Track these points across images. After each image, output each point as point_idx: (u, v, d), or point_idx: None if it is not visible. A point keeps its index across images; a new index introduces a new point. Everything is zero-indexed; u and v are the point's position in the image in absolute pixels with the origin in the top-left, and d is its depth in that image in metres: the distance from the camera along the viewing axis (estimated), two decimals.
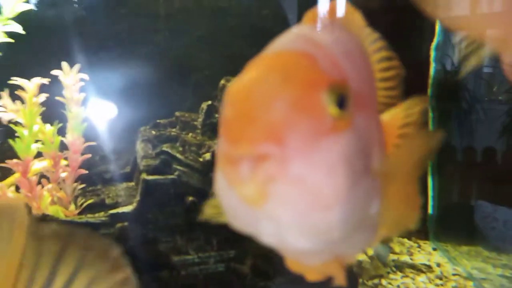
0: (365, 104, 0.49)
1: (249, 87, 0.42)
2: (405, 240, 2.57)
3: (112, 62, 2.15)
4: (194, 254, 1.56)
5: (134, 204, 1.57)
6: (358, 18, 0.58)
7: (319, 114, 0.41)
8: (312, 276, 0.56)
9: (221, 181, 0.44)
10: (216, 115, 1.77)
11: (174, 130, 1.85)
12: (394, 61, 0.60)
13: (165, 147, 1.69)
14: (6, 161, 1.47)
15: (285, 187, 0.40)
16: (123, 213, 1.55)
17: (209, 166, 1.60)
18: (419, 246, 2.52)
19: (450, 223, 2.51)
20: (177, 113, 1.89)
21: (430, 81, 2.48)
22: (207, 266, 1.57)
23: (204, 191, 1.57)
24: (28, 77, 1.58)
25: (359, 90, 0.47)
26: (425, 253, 2.45)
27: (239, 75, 0.44)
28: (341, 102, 0.43)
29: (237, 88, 0.43)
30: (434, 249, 2.49)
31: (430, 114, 2.48)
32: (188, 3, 2.43)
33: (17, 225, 0.43)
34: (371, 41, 0.59)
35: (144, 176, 1.59)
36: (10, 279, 0.42)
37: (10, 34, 1.58)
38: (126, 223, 1.53)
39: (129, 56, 2.18)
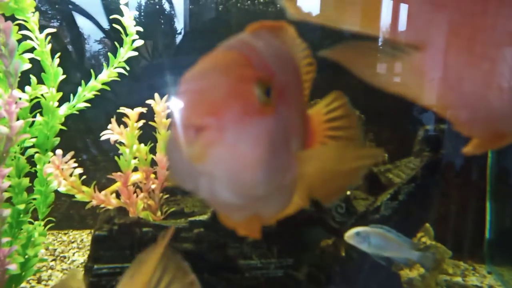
0: (288, 98, 0.59)
1: (199, 76, 0.53)
2: (461, 262, 2.55)
3: None
4: (257, 260, 1.74)
5: (209, 214, 1.77)
6: (291, 31, 0.70)
7: (250, 99, 0.52)
8: (240, 231, 0.68)
9: (171, 144, 0.55)
10: None
11: None
12: (312, 66, 0.72)
13: None
14: (112, 173, 1.77)
15: (220, 150, 0.50)
16: (200, 220, 1.76)
17: None
18: (474, 269, 2.50)
19: (507, 247, 2.46)
20: None
21: None
22: (267, 271, 1.73)
23: None
24: (124, 101, 1.88)
25: (283, 86, 0.58)
26: (479, 275, 2.43)
27: (193, 66, 0.54)
28: (267, 93, 0.54)
29: (190, 76, 0.53)
30: (489, 273, 2.46)
31: None
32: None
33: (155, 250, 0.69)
34: (301, 49, 0.71)
35: None
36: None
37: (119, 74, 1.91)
38: (202, 229, 1.74)
39: None
